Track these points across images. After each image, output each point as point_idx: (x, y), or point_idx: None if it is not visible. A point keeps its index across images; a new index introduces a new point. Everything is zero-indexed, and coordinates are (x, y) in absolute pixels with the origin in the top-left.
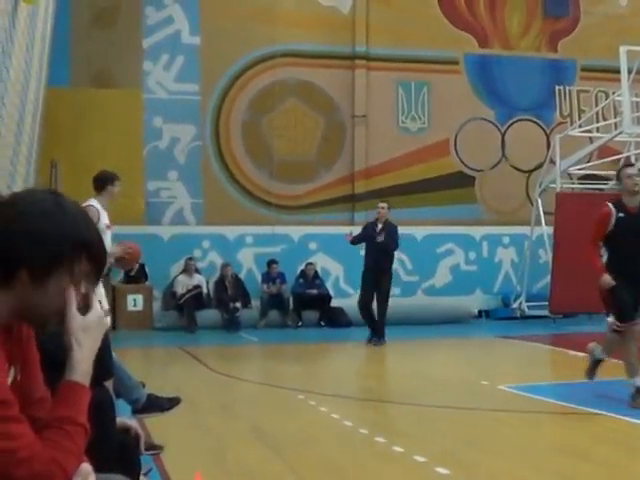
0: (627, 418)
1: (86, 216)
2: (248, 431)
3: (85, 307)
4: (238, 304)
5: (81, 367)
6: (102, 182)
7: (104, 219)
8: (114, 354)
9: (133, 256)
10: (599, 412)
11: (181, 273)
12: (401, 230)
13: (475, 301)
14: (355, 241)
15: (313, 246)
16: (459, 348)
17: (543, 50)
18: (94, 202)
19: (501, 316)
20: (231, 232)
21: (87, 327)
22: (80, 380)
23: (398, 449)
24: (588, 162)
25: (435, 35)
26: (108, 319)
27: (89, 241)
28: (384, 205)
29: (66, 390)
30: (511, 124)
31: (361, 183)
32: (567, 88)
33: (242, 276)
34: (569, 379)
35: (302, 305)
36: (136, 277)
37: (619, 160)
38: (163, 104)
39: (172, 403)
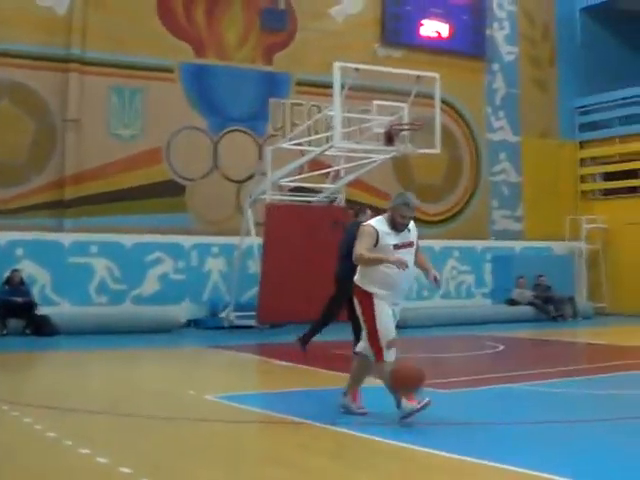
0: (329, 427)
1: None
2: None
3: None
4: None
5: None
6: None
7: None
8: None
9: None
10: (304, 421)
11: None
12: (110, 237)
13: (184, 310)
14: None
15: (20, 252)
16: (167, 358)
17: (259, 62)
18: None
19: (209, 325)
20: None
21: None
22: None
23: (103, 460)
24: (300, 174)
25: (152, 42)
26: None
27: None
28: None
29: None
30: (224, 134)
31: (71, 189)
32: (281, 101)
33: None
34: (275, 388)
35: (7, 313)
36: None
37: (329, 173)
38: None
39: None
